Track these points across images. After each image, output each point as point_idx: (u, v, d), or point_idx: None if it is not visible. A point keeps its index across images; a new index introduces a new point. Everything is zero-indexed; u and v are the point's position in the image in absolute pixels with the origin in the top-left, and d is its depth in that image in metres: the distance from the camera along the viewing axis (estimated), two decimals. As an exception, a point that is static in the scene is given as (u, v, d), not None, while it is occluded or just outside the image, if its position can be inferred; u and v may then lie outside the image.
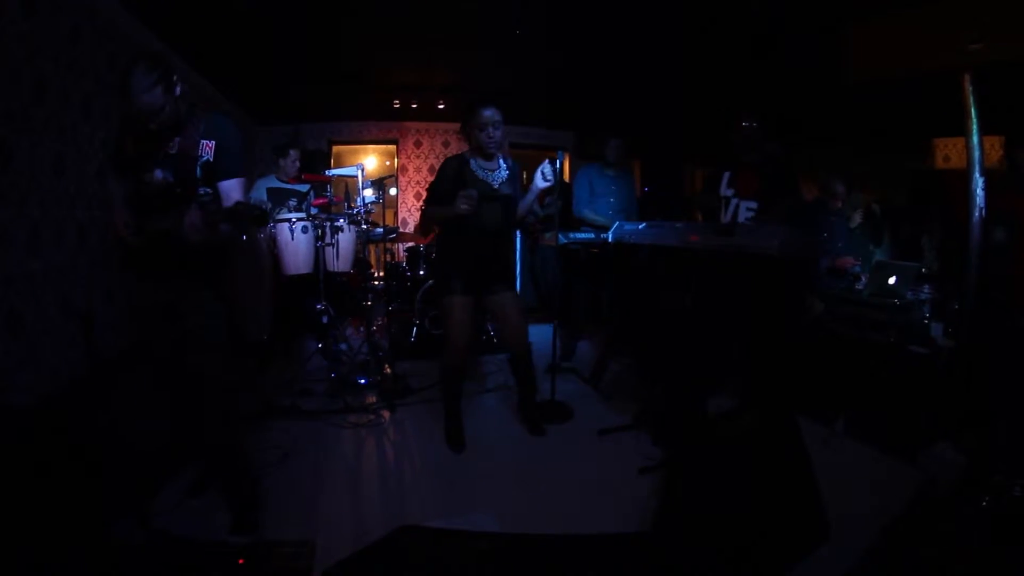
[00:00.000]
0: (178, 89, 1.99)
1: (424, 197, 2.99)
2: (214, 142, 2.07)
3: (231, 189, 2.12)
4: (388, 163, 9.20)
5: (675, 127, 7.62)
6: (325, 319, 3.85)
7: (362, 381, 3.75)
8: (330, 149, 8.56)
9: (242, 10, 4.01)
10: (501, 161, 2.91)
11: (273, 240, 3.91)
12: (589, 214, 4.24)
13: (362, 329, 4.59)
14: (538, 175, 2.81)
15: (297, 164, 4.46)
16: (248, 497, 2.26)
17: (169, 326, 2.15)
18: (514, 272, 3.01)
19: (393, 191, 8.47)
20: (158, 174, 2.03)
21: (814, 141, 7.39)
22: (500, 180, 2.84)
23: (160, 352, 2.24)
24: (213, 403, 2.17)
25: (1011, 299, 3.00)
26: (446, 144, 8.64)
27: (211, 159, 2.07)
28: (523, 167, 3.04)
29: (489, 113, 2.73)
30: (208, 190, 2.10)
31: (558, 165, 3.00)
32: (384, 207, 4.51)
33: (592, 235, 3.81)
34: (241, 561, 1.93)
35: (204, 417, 2.19)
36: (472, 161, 2.82)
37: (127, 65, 1.88)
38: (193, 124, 2.07)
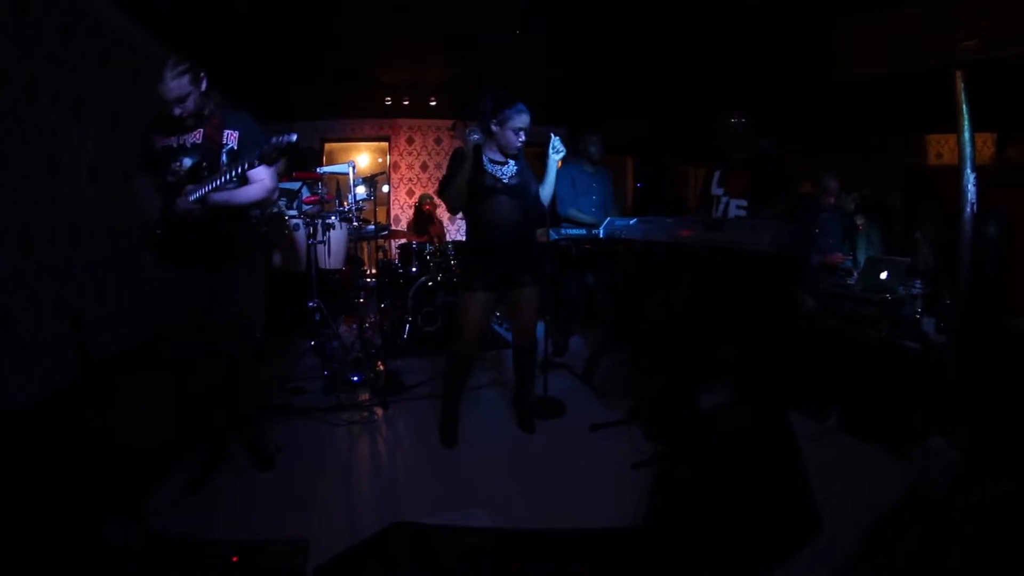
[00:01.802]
0: (204, 84, 2.17)
1: (439, 187, 2.99)
2: (238, 133, 2.26)
3: (262, 175, 2.28)
4: (380, 160, 9.18)
5: (668, 124, 7.62)
6: (317, 317, 3.84)
7: (355, 378, 3.75)
8: (322, 147, 8.53)
9: (235, 8, 4.00)
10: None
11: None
12: (575, 213, 4.22)
13: (355, 326, 4.58)
14: (550, 149, 2.86)
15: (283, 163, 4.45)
16: (262, 443, 2.66)
17: (203, 314, 2.31)
18: (541, 267, 3.00)
19: (385, 188, 8.46)
20: (186, 162, 2.19)
21: (807, 138, 7.40)
22: (509, 174, 2.81)
23: (185, 340, 2.35)
24: (242, 381, 2.50)
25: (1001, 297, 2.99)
26: (438, 141, 8.63)
27: (235, 148, 2.25)
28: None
29: (526, 119, 2.72)
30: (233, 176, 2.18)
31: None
32: (376, 204, 4.52)
33: (583, 231, 3.81)
34: (235, 559, 1.93)
35: (233, 394, 2.48)
36: (484, 154, 2.80)
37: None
38: (217, 115, 2.25)
